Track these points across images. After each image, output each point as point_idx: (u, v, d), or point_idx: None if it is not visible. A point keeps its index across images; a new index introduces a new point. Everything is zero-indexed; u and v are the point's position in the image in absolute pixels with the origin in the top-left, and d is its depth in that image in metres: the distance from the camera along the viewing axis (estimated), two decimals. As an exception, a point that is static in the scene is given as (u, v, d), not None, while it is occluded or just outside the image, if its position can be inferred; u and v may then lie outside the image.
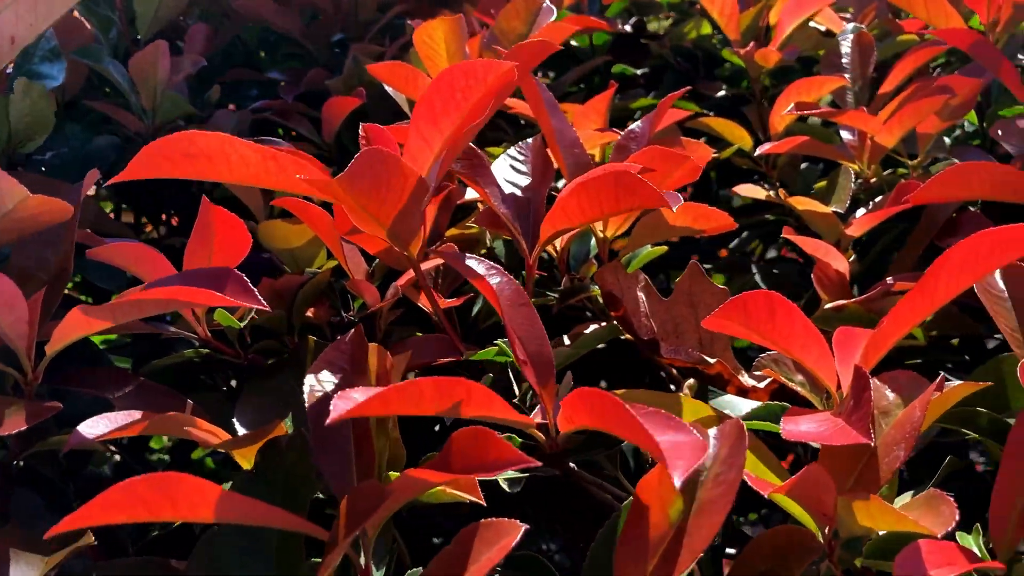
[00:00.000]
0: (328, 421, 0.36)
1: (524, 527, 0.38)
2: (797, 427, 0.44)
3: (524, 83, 0.65)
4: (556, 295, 0.67)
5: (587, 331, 0.61)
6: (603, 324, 0.62)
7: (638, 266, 0.68)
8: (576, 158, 0.65)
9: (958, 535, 0.47)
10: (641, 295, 0.66)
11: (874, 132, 0.72)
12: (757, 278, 0.78)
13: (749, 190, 0.73)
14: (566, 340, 0.62)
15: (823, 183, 0.78)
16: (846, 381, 0.50)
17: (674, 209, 0.50)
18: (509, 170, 0.66)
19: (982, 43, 0.72)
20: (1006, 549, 0.44)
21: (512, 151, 0.67)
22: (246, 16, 0.98)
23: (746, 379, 0.62)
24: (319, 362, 0.48)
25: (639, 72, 1.12)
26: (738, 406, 0.64)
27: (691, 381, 0.66)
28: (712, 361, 0.61)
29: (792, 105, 0.75)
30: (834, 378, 0.51)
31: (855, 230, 0.67)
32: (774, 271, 0.81)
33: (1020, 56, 0.99)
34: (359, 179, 0.42)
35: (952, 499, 0.41)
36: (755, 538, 0.48)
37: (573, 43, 1.15)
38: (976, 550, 0.46)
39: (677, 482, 0.33)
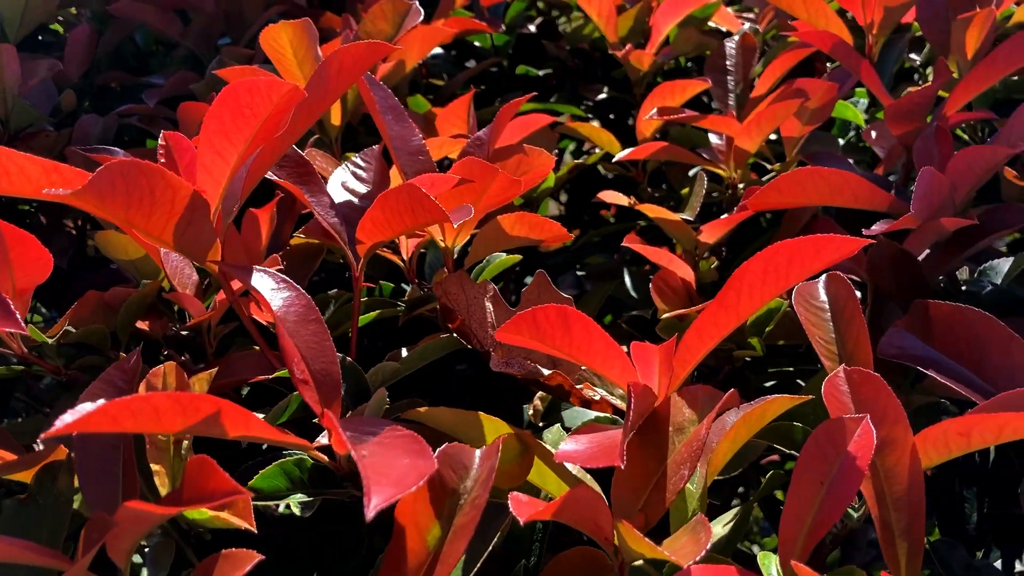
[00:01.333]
0: (42, 436, 0.34)
1: (259, 557, 0.36)
2: (569, 447, 0.43)
3: (361, 89, 0.63)
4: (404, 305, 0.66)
5: (422, 345, 0.59)
6: (443, 336, 0.61)
7: (492, 275, 0.67)
8: (419, 165, 0.64)
9: (760, 556, 0.46)
10: (489, 305, 0.65)
11: (735, 136, 0.71)
12: (628, 284, 0.77)
13: (612, 196, 0.71)
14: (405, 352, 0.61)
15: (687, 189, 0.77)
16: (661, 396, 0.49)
17: (455, 224, 0.49)
18: (351, 178, 0.64)
19: (841, 45, 0.71)
20: (790, 570, 0.43)
21: (356, 158, 0.66)
22: (127, 19, 0.95)
23: (588, 391, 0.61)
24: (99, 381, 0.46)
25: (541, 73, 1.10)
26: (581, 417, 0.63)
27: (541, 394, 0.65)
28: (547, 372, 0.59)
29: (655, 110, 0.74)
30: (657, 388, 0.49)
31: (707, 237, 0.66)
32: (650, 277, 0.79)
33: (913, 56, 0.99)
34: (108, 193, 0.40)
35: (708, 526, 0.40)
36: (554, 558, 0.47)
37: (476, 44, 1.14)
38: (774, 572, 0.45)
39: (367, 514, 0.32)
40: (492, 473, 0.39)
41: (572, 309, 0.46)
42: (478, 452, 0.41)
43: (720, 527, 0.52)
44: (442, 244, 0.63)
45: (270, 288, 0.46)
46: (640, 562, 0.46)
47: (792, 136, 0.72)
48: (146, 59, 1.10)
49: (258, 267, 0.47)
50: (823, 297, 0.52)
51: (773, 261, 0.47)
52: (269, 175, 0.58)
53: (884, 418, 0.45)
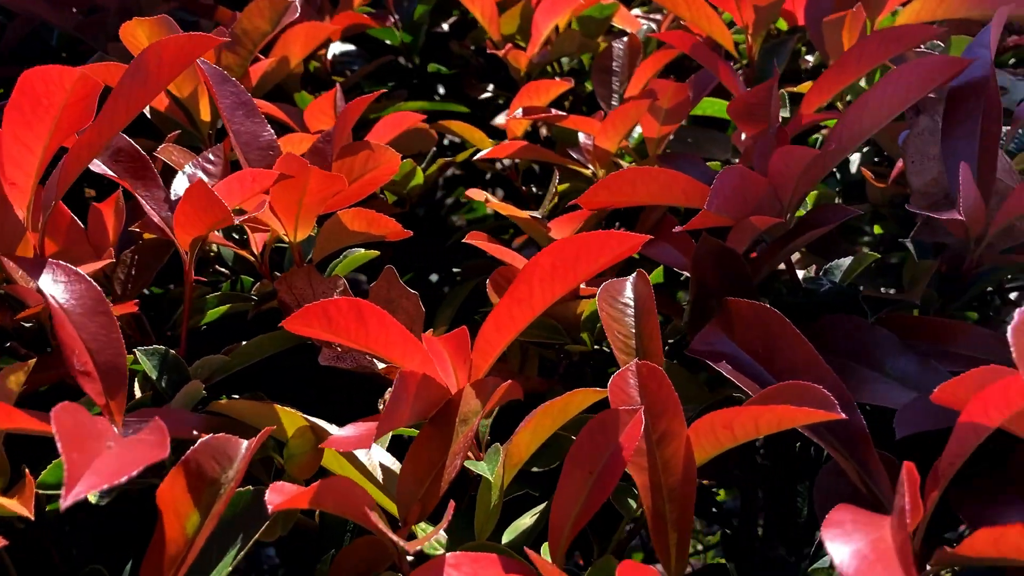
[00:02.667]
0: None
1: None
2: (339, 433, 0.44)
3: (206, 84, 0.64)
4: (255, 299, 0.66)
5: (258, 338, 0.60)
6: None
7: (347, 269, 0.67)
8: (269, 160, 0.65)
9: (544, 547, 0.47)
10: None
11: (595, 135, 0.72)
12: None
13: (476, 194, 0.72)
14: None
15: (565, 186, 0.78)
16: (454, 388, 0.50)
17: (237, 221, 0.50)
18: (200, 172, 0.65)
19: (698, 46, 0.72)
20: (560, 558, 0.44)
21: (208, 152, 0.66)
22: (21, 12, 0.96)
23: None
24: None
25: (451, 71, 1.11)
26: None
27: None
28: (381, 366, 0.60)
29: (520, 110, 0.74)
30: (452, 382, 0.50)
31: (555, 234, 0.67)
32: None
33: (810, 57, 1.00)
34: None
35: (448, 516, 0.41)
36: (344, 548, 0.48)
37: (388, 41, 1.15)
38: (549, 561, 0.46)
39: (61, 504, 0.32)
40: (246, 463, 0.40)
41: (367, 303, 0.47)
42: (244, 443, 0.42)
43: (528, 518, 0.53)
44: (286, 239, 0.63)
45: (62, 281, 0.46)
46: (423, 548, 0.47)
47: (652, 136, 0.73)
48: (57, 55, 1.10)
49: (55, 261, 0.47)
50: (630, 294, 0.53)
51: (561, 256, 0.48)
52: (101, 168, 0.59)
53: (664, 411, 0.46)
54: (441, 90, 1.16)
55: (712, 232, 0.60)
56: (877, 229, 0.87)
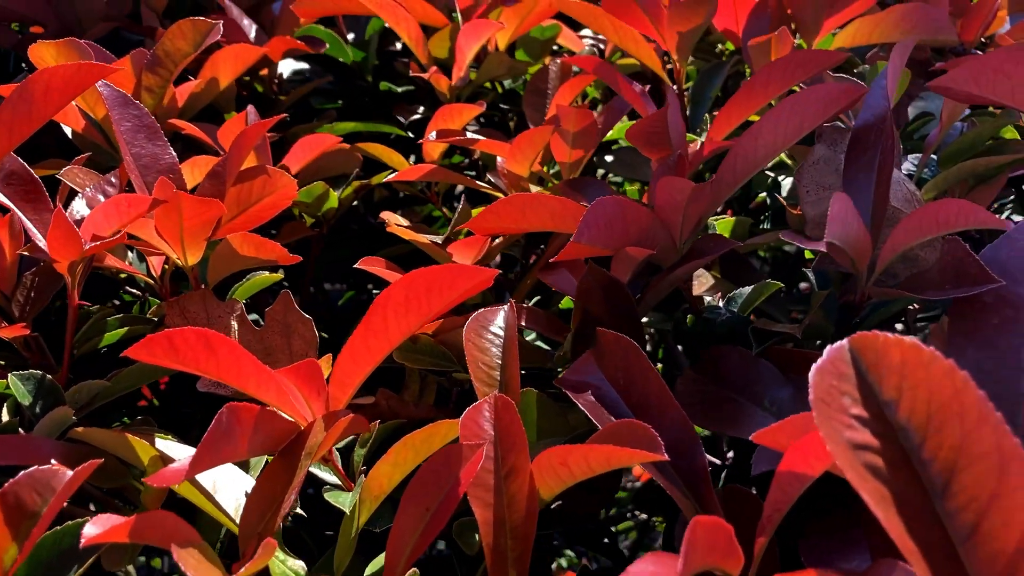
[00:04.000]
0: None
1: None
2: (166, 469, 0.43)
3: (109, 108, 0.64)
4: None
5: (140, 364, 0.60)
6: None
7: (248, 293, 0.67)
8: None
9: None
10: (234, 324, 0.66)
11: (506, 159, 0.72)
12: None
13: (389, 216, 0.72)
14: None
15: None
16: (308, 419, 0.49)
17: (86, 247, 0.50)
18: (99, 195, 0.65)
19: (604, 67, 0.72)
20: (395, 592, 0.43)
21: (110, 176, 0.67)
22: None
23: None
24: None
25: (401, 90, 1.11)
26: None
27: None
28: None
29: (434, 133, 0.74)
30: (303, 417, 0.50)
31: (457, 258, 0.66)
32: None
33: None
34: None
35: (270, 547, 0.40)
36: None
37: (340, 59, 1.15)
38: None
39: None
40: (65, 495, 0.40)
41: (215, 333, 0.47)
42: (69, 475, 0.42)
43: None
44: (179, 262, 0.63)
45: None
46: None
47: (564, 160, 0.73)
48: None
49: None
50: (501, 323, 0.53)
51: (414, 289, 0.47)
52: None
53: (513, 446, 0.46)
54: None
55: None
56: (808, 254, 0.86)
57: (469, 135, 0.75)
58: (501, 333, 0.52)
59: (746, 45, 0.85)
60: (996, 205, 0.90)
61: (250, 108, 0.74)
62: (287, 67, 1.12)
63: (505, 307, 0.53)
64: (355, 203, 0.86)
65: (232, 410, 0.43)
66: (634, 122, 0.65)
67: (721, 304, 0.67)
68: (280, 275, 0.68)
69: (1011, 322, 0.46)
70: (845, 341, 0.35)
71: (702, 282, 0.74)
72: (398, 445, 0.49)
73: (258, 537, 0.45)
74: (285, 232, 0.78)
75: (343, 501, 0.51)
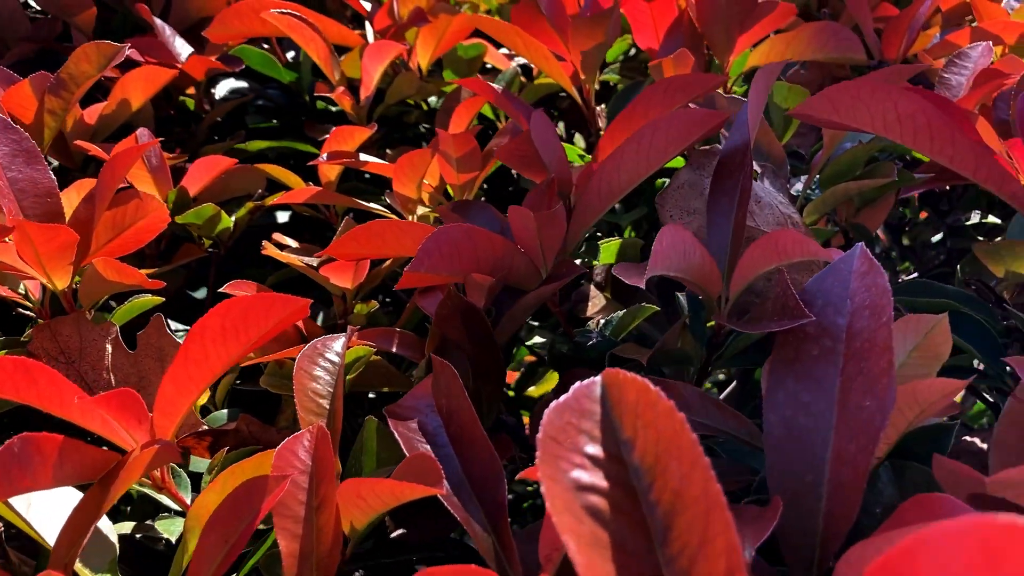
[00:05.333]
0: None
1: None
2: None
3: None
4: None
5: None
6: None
7: (126, 317, 0.67)
8: (46, 207, 0.65)
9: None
10: (109, 347, 0.66)
11: (393, 181, 0.72)
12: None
13: (278, 238, 0.72)
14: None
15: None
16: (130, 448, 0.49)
17: None
18: (-25, 219, 0.66)
19: (487, 88, 0.72)
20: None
21: (-11, 199, 0.67)
22: None
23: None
24: None
25: (335, 109, 1.12)
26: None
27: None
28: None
29: (325, 154, 0.74)
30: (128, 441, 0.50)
31: (338, 281, 0.66)
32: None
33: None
34: None
35: None
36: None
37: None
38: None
39: None
40: None
41: (35, 362, 0.47)
42: None
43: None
44: (49, 286, 0.64)
45: None
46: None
47: (454, 183, 0.73)
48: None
49: None
50: (339, 350, 0.53)
51: (229, 317, 0.47)
52: None
53: (324, 477, 0.46)
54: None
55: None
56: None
57: (363, 157, 0.75)
58: (337, 360, 0.52)
59: (654, 68, 0.85)
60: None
61: (141, 130, 0.74)
62: (226, 86, 1.12)
63: (343, 336, 0.53)
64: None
65: (28, 440, 0.43)
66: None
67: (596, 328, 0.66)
68: (160, 299, 0.68)
69: (830, 353, 0.45)
70: (599, 376, 0.35)
71: (594, 303, 0.73)
72: (225, 473, 0.49)
73: (64, 568, 0.45)
74: (181, 254, 0.78)
75: (173, 530, 0.51)
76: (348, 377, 0.61)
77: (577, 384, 0.35)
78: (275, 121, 1.14)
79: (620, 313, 0.65)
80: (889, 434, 0.45)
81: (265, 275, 0.85)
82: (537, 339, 0.86)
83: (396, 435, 0.47)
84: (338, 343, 0.52)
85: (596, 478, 0.32)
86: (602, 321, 0.67)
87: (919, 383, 0.42)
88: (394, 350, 0.62)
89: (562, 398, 0.34)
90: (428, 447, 0.47)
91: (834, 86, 0.55)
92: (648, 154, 0.60)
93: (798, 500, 0.43)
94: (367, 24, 0.91)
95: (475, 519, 0.43)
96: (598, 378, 0.35)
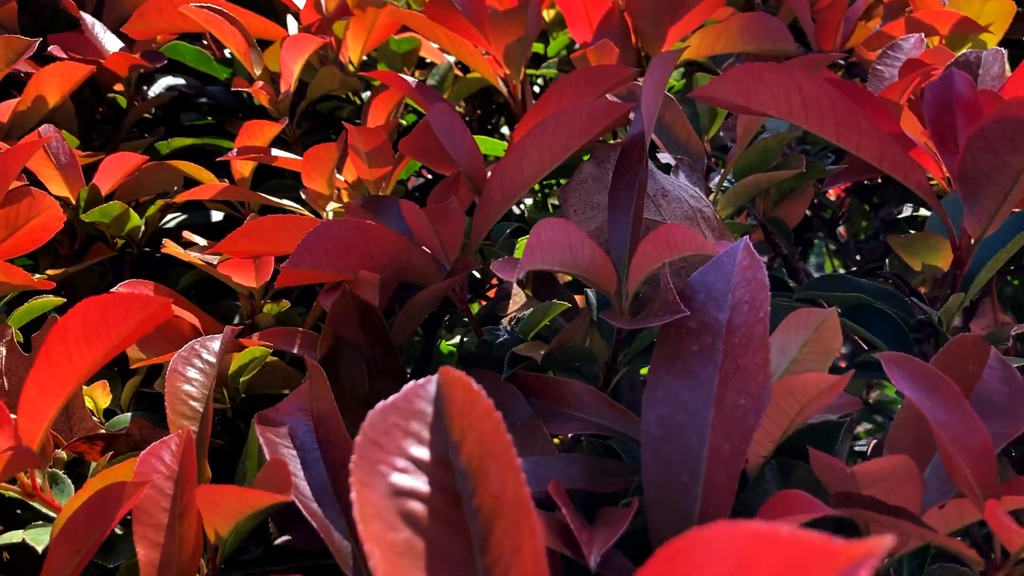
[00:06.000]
0: None
1: None
2: None
3: None
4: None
5: None
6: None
7: (21, 322, 0.65)
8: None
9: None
10: (3, 349, 0.64)
11: (302, 176, 0.70)
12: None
13: (187, 236, 0.70)
14: None
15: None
16: None
17: None
18: None
19: (399, 81, 0.70)
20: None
21: None
22: None
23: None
24: None
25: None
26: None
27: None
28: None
29: (236, 150, 0.73)
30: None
31: (236, 278, 0.64)
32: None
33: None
34: None
35: None
36: None
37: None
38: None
39: None
40: None
41: None
42: None
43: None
44: (-62, 288, 0.62)
45: None
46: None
47: (367, 178, 0.71)
48: None
49: None
50: (216, 351, 0.51)
51: (90, 318, 0.45)
52: None
53: (188, 482, 0.44)
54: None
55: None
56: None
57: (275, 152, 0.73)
58: (213, 361, 0.50)
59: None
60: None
61: (46, 127, 0.72)
62: (164, 83, 1.10)
63: (221, 336, 0.51)
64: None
65: None
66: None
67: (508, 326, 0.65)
68: (60, 300, 0.66)
69: (710, 349, 0.44)
70: (435, 375, 0.33)
71: (515, 301, 0.72)
72: (94, 479, 0.47)
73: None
74: (92, 253, 0.76)
75: (43, 539, 0.49)
76: (242, 379, 0.59)
77: (411, 383, 0.33)
78: (210, 119, 1.12)
79: (530, 311, 0.63)
80: (772, 431, 0.44)
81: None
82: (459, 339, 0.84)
83: (262, 441, 0.45)
84: (215, 343, 0.50)
85: (419, 483, 0.31)
86: (516, 320, 0.65)
87: (794, 379, 0.41)
88: (295, 351, 0.60)
89: (391, 398, 0.32)
90: (294, 452, 0.46)
91: (738, 67, 0.54)
92: (552, 146, 0.58)
93: (674, 501, 0.42)
94: (289, 18, 0.89)
95: (335, 526, 0.42)
96: (434, 376, 0.33)
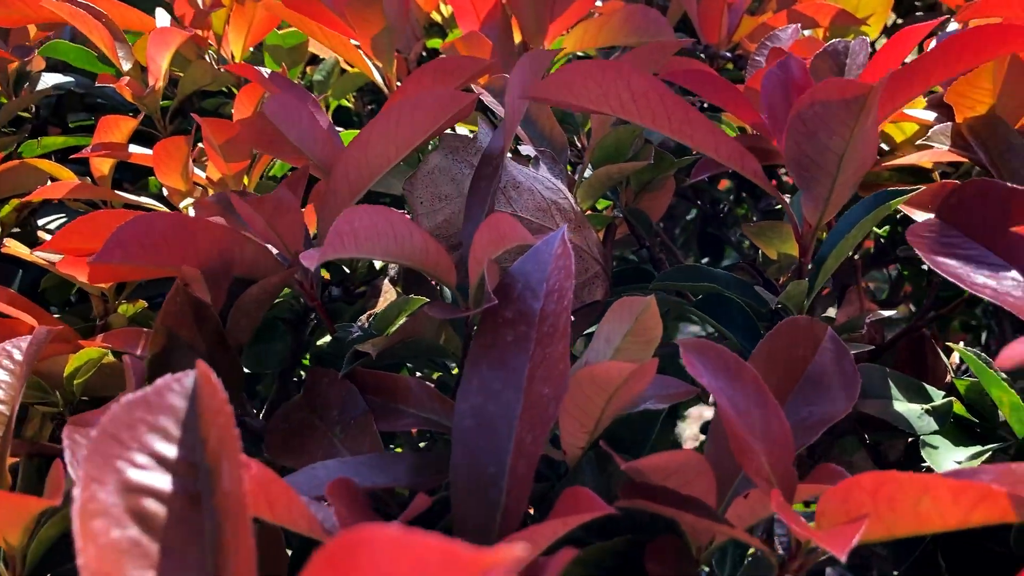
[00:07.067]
0: None
1: None
2: None
3: None
4: None
5: None
6: None
7: None
8: None
9: None
10: None
11: (156, 172, 0.68)
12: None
13: (42, 236, 0.68)
14: None
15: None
16: None
17: None
18: None
19: (253, 72, 0.68)
20: None
21: None
22: None
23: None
24: None
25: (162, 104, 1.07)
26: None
27: None
28: None
29: (91, 146, 0.71)
30: None
31: (95, 280, 0.62)
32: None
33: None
34: None
35: None
36: None
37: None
38: None
39: None
40: None
41: None
42: None
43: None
44: None
45: None
46: None
47: (225, 174, 0.69)
48: None
49: None
50: (23, 350, 0.49)
51: None
52: None
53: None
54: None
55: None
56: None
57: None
58: (21, 360, 0.48)
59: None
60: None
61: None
62: (49, 81, 1.07)
63: (28, 337, 0.49)
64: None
65: None
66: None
67: (363, 323, 0.64)
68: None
69: (524, 339, 0.43)
70: (195, 368, 0.32)
71: (385, 299, 0.70)
72: None
73: None
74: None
75: None
76: (76, 382, 0.57)
77: (167, 376, 0.32)
78: (92, 118, 1.09)
79: (385, 307, 0.62)
80: (585, 422, 0.43)
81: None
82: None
83: (65, 445, 0.43)
84: (25, 343, 0.49)
85: (159, 481, 0.29)
86: (373, 316, 0.64)
87: (596, 367, 0.40)
88: (139, 353, 0.58)
89: (140, 391, 0.31)
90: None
91: (567, 66, 0.53)
92: (397, 137, 0.57)
93: (481, 493, 0.41)
94: (158, 10, 0.86)
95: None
96: (193, 370, 0.32)
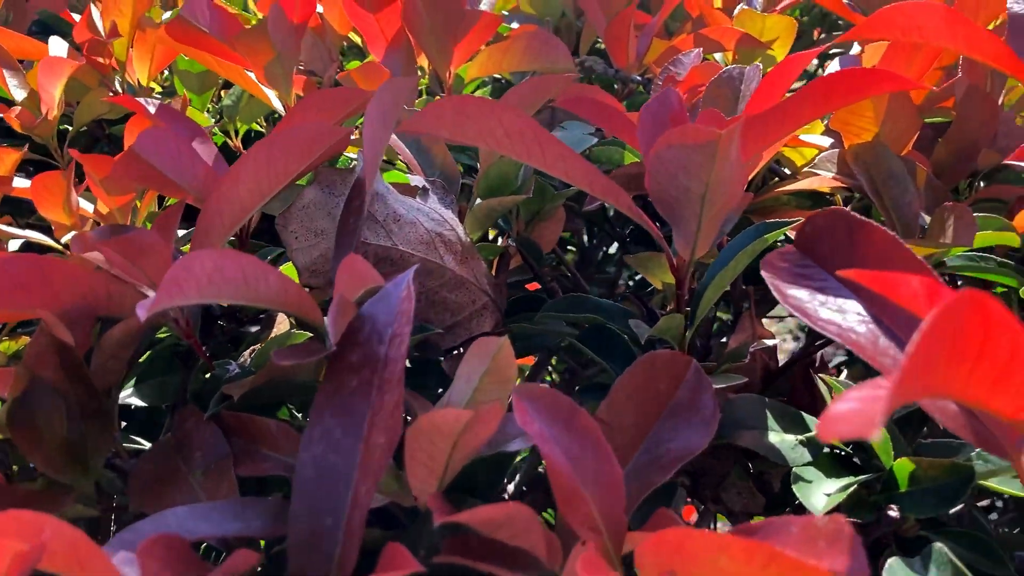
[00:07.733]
0: None
1: None
2: None
3: None
4: None
5: None
6: None
7: None
8: None
9: None
10: None
11: (35, 205, 0.67)
12: None
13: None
14: None
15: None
16: None
17: None
18: None
19: (132, 103, 0.67)
20: None
21: None
22: None
23: None
24: None
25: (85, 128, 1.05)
26: None
27: None
28: None
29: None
30: None
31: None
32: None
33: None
34: None
35: None
36: None
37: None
38: None
39: None
40: None
41: None
42: None
43: None
44: None
45: None
46: None
47: (111, 208, 0.68)
48: None
49: None
50: None
51: None
52: None
53: None
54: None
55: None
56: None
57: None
58: None
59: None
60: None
61: None
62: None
63: None
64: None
65: None
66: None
67: (244, 360, 0.63)
68: None
69: (367, 385, 0.42)
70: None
71: (279, 329, 0.69)
72: None
73: None
74: None
75: None
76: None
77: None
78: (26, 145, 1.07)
79: (267, 342, 0.61)
80: (433, 468, 0.43)
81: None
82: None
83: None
84: None
85: None
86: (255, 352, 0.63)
87: (436, 414, 0.40)
88: (5, 394, 0.57)
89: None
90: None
91: (441, 101, 0.53)
92: (268, 172, 0.56)
93: (316, 545, 0.40)
94: (52, 38, 0.85)
95: None
96: None
